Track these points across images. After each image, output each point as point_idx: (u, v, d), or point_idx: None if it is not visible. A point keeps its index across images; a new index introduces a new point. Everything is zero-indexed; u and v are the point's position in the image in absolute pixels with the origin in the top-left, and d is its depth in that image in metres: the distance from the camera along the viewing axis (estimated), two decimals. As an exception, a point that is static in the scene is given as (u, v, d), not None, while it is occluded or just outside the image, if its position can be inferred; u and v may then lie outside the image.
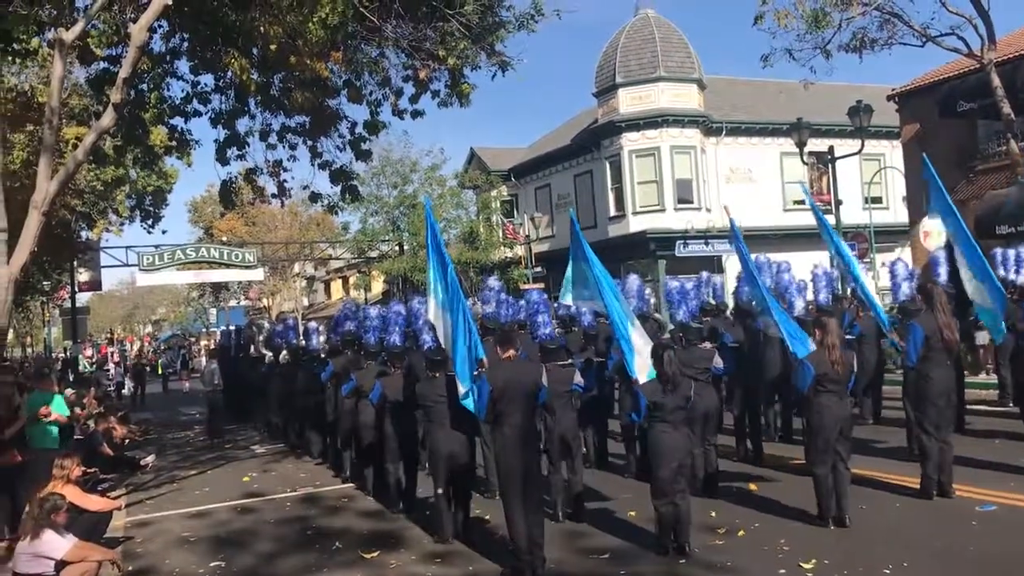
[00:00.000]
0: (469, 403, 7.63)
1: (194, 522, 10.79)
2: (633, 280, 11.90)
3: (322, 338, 16.83)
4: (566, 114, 64.50)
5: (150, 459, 15.26)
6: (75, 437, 13.99)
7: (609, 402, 11.89)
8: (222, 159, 17.26)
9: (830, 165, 22.70)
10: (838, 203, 22.40)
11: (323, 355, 15.17)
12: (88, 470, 12.92)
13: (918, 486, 8.96)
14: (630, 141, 34.49)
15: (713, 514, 8.65)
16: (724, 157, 35.95)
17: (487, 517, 9.38)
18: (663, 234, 33.28)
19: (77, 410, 15.12)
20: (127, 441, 17.52)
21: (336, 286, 64.16)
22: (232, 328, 25.25)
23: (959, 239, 10.33)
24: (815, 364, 7.96)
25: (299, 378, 15.43)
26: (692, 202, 34.46)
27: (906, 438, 11.02)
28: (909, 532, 7.77)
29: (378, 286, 50.04)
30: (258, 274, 43.03)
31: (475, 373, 7.66)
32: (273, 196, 19.37)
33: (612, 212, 35.32)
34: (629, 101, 34.47)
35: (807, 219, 35.46)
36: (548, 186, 40.29)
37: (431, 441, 8.55)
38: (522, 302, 12.42)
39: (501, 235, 40.56)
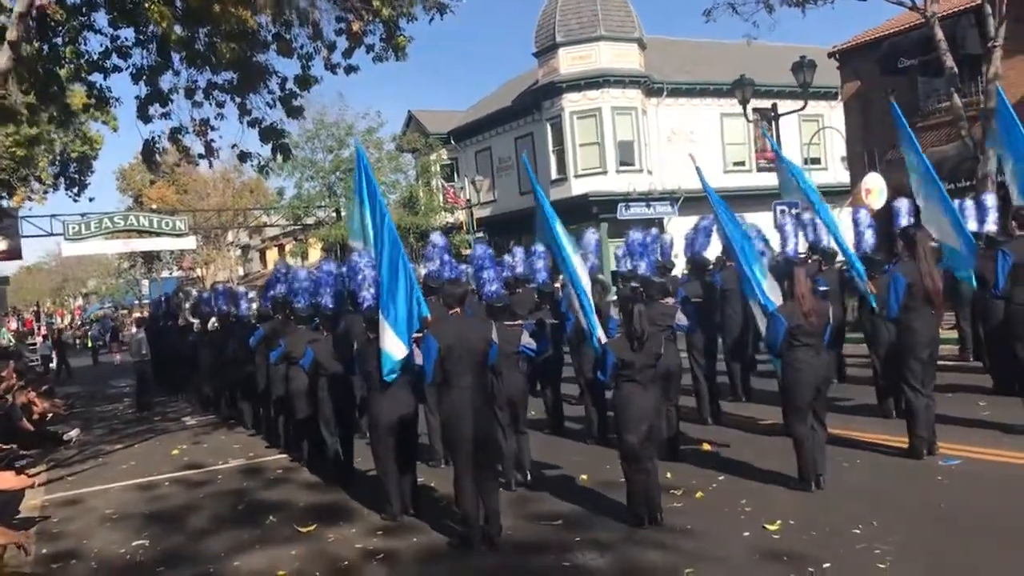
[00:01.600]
0: (394, 364, 7.15)
1: (119, 498, 10.10)
2: (591, 236, 11.35)
3: (254, 304, 16.13)
4: (506, 76, 63.49)
5: (73, 433, 14.45)
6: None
7: (561, 364, 11.36)
8: (144, 116, 16.31)
9: (774, 122, 22.37)
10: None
11: (253, 321, 14.50)
12: (4, 446, 12.16)
13: (902, 445, 8.48)
14: (571, 102, 34.01)
15: (668, 475, 8.20)
16: (665, 118, 35.67)
17: (432, 485, 8.86)
18: (605, 197, 32.98)
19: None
20: (50, 416, 16.67)
21: (272, 254, 62.84)
22: (161, 297, 24.25)
23: (927, 180, 9.98)
24: (787, 316, 7.44)
25: (229, 346, 14.72)
26: (634, 164, 34.19)
27: (876, 394, 10.54)
28: (875, 490, 7.39)
29: (316, 254, 49.00)
30: (190, 242, 41.74)
31: (416, 333, 7.13)
32: (200, 156, 18.42)
33: (554, 175, 34.85)
34: (570, 61, 33.93)
35: (748, 181, 35.88)
36: (489, 149, 39.64)
37: (372, 409, 7.85)
38: (463, 266, 11.91)
39: (442, 200, 39.85)
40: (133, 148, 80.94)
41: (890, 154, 25.00)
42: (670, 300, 9.20)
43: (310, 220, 42.88)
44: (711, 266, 11.74)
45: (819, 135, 36.38)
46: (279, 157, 17.47)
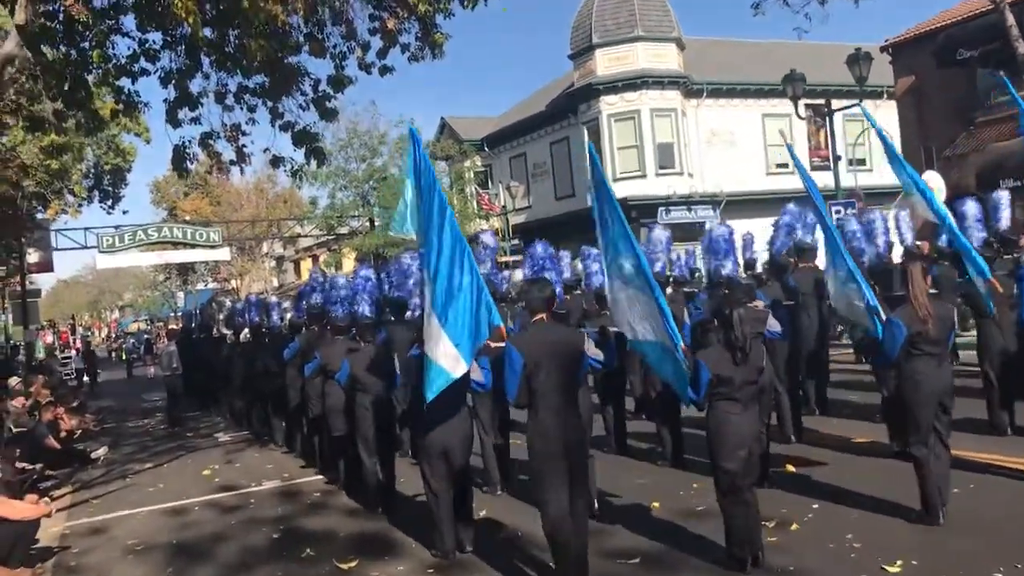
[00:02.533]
0: (447, 379, 6.20)
1: (145, 525, 9.33)
2: (660, 234, 10.44)
3: (288, 315, 15.39)
4: (540, 81, 62.52)
5: (102, 452, 13.82)
6: (16, 429, 12.59)
7: (625, 376, 10.42)
8: (173, 121, 15.64)
9: (827, 119, 21.34)
10: (836, 159, 21.09)
11: (285, 331, 13.77)
12: (29, 466, 11.49)
13: (1020, 466, 7.56)
14: (608, 104, 33.17)
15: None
16: (705, 120, 34.72)
17: (489, 516, 8.00)
18: (645, 201, 32.07)
19: (14, 401, 13.59)
20: (79, 432, 16.05)
21: (306, 265, 62.35)
22: (195, 308, 23.62)
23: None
24: (906, 322, 6.42)
25: (260, 358, 13.97)
26: (674, 167, 33.31)
27: (987, 409, 9.43)
28: (1002, 521, 6.41)
29: (349, 264, 48.43)
30: (224, 253, 41.31)
31: (483, 345, 6.27)
32: (232, 163, 17.76)
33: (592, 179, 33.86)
34: (607, 63, 33.10)
35: (791, 183, 34.75)
36: (523, 155, 38.86)
37: (421, 430, 6.92)
38: (505, 272, 11.06)
39: (476, 206, 39.08)
40: (166, 160, 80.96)
41: (948, 151, 23.94)
42: (759, 303, 8.21)
43: (343, 230, 42.30)
44: (790, 268, 10.75)
45: (864, 135, 35.24)
46: (313, 162, 16.75)
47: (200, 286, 64.81)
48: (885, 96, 33.62)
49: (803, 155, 35.95)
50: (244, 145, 17.24)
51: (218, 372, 17.92)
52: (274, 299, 15.12)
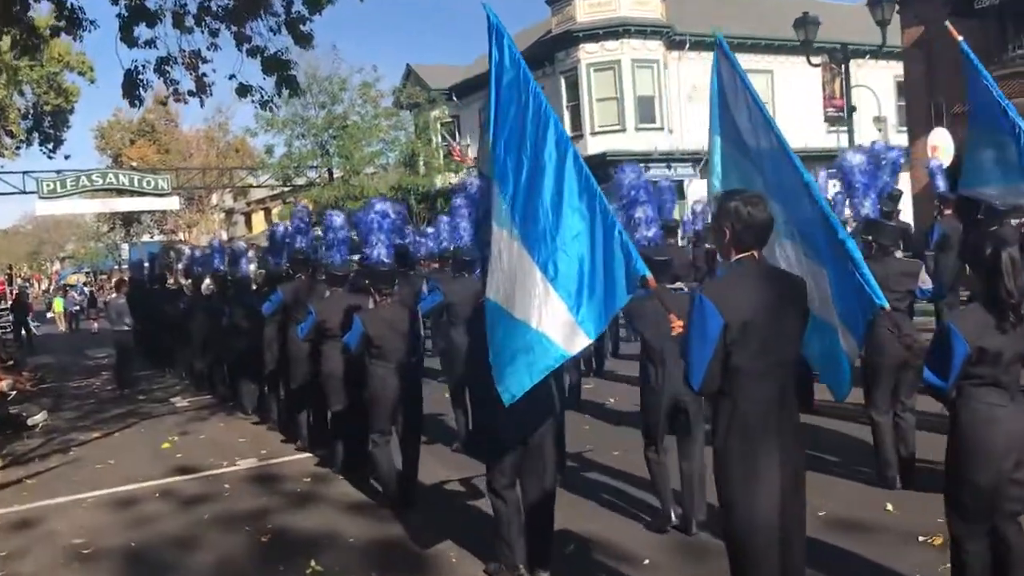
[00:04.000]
0: (559, 356, 4.47)
1: (92, 519, 7.51)
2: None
3: (252, 265, 13.56)
4: (512, 29, 60.29)
5: (40, 417, 11.91)
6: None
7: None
8: (128, 39, 13.60)
9: (844, 66, 19.78)
10: (852, 110, 19.57)
11: (257, 282, 11.97)
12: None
13: None
14: (588, 53, 31.44)
15: (889, 507, 5.76)
16: (687, 74, 33.04)
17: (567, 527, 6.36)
18: (624, 156, 30.23)
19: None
20: (13, 393, 14.04)
21: (258, 218, 59.93)
22: (145, 257, 21.49)
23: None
24: (968, 333, 3.82)
25: (227, 313, 12.13)
26: (654, 122, 31.87)
27: None
28: None
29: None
30: (173, 203, 39.04)
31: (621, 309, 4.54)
32: (190, 94, 15.77)
33: (568, 132, 31.85)
34: (587, 9, 31.33)
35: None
36: (494, 106, 36.87)
37: (494, 416, 5.01)
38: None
39: (441, 157, 37.13)
40: (112, 104, 77.28)
41: (957, 107, 22.57)
42: (899, 253, 6.57)
43: (300, 180, 40.08)
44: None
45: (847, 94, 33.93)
46: (285, 91, 14.80)
47: (145, 238, 61.88)
48: (867, 56, 32.64)
49: (817, 106, 34.49)
50: (204, 74, 15.30)
51: (174, 328, 15.97)
52: (242, 244, 13.22)
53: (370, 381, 6.85)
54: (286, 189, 44.87)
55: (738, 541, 3.49)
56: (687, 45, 32.70)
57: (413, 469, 7.04)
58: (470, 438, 8.22)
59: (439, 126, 38.40)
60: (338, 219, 8.33)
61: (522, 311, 4.43)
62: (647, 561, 5.37)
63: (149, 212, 50.95)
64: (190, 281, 15.10)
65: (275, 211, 53.82)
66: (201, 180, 47.09)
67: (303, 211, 9.93)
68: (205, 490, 8.11)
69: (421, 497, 7.11)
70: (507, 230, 4.59)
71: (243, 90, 14.94)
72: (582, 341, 4.36)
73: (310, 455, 9.09)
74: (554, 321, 4.35)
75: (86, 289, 49.95)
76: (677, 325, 3.93)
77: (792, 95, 34.18)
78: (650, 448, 5.81)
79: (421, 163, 36.84)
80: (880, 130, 30.58)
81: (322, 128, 37.61)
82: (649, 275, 4.19)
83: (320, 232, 10.24)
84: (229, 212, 62.56)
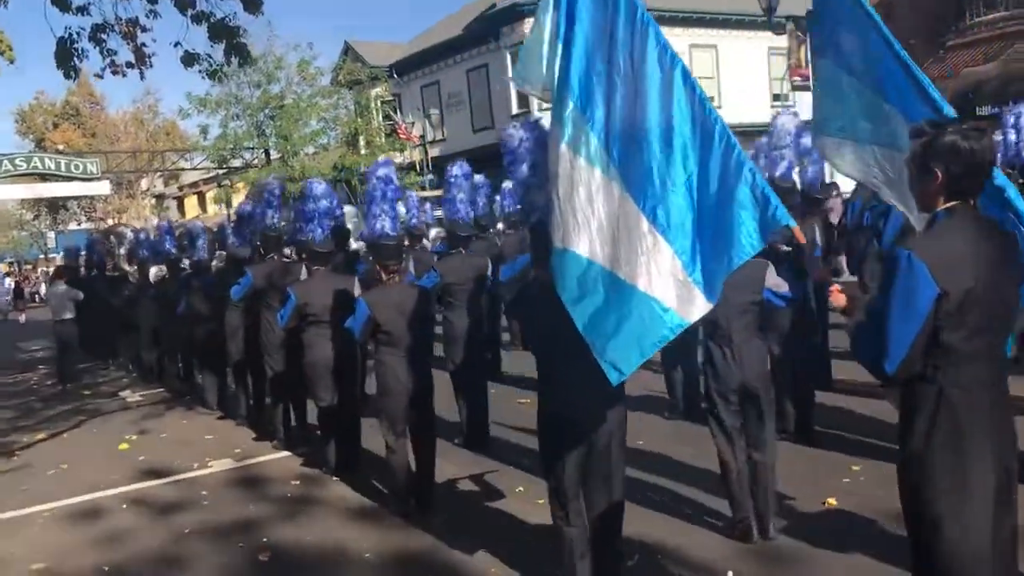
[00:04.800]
0: (675, 325, 3.56)
1: (51, 536, 6.63)
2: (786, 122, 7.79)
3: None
4: (454, 5, 58.54)
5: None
6: None
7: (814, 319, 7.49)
8: (60, 1, 12.47)
9: (809, 33, 19.30)
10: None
11: (219, 265, 11.07)
12: None
13: None
14: (536, 28, 30.51)
15: None
16: (634, 49, 32.46)
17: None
18: (575, 133, 29.76)
19: None
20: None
21: (191, 203, 58.13)
22: (81, 243, 20.11)
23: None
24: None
25: (183, 299, 11.18)
26: (604, 98, 31.03)
27: None
28: None
29: (238, 200, 44.60)
30: (103, 187, 37.26)
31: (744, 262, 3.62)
32: (129, 65, 14.64)
33: (515, 110, 31.53)
34: (534, -19, 30.45)
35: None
36: (436, 83, 36.07)
37: (554, 412, 4.38)
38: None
39: (383, 136, 36.02)
40: (34, 86, 74.14)
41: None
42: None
43: (236, 163, 38.64)
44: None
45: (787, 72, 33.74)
46: (235, 60, 13.76)
47: (73, 226, 59.47)
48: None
49: (762, 82, 34.42)
50: (144, 44, 14.19)
51: (118, 317, 14.89)
52: (199, 224, 12.21)
53: (380, 373, 6.05)
54: (221, 172, 43.30)
55: (954, 568, 2.80)
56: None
57: (429, 470, 6.26)
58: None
59: (380, 104, 37.29)
60: (319, 187, 7.45)
61: (627, 269, 3.68)
62: (730, 574, 4.69)
63: (77, 198, 48.88)
64: (135, 267, 13.99)
65: (209, 195, 52.14)
66: (131, 164, 45.29)
67: (273, 185, 9.02)
68: (180, 497, 7.25)
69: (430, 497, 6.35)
70: (600, 168, 3.83)
71: (189, 59, 13.81)
72: (700, 306, 3.62)
73: (290, 454, 8.28)
74: (666, 281, 3.62)
75: (7, 280, 47.69)
76: (837, 294, 3.23)
77: (737, 71, 34.02)
78: (724, 442, 5.09)
79: (362, 142, 35.80)
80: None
81: (258, 108, 36.25)
82: (795, 225, 3.48)
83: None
84: (160, 197, 60.49)
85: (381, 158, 6.42)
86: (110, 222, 54.26)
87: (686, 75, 3.73)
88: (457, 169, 8.02)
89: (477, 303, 7.80)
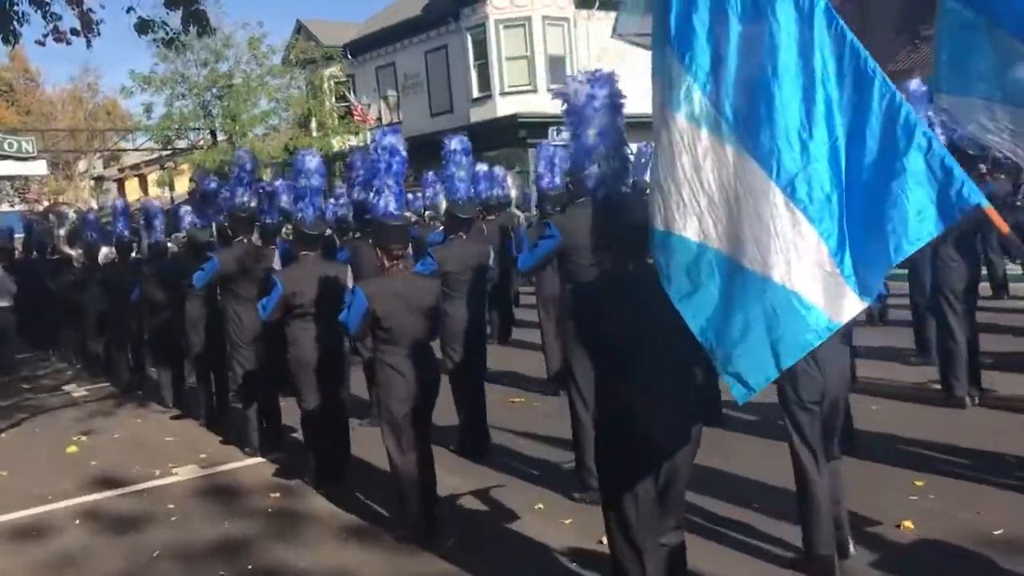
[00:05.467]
0: (823, 327, 2.86)
1: (-4, 558, 5.71)
2: None
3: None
4: None
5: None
6: None
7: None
8: (-2, -39, 11.38)
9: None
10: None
11: (177, 248, 10.13)
12: None
13: None
14: (497, 9, 29.89)
15: None
16: (595, 35, 31.81)
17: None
18: (535, 118, 28.97)
19: None
20: None
21: (132, 185, 56.14)
22: (27, 221, 18.69)
23: None
24: None
25: (136, 286, 10.21)
26: (566, 83, 30.36)
27: None
28: None
29: (183, 184, 43.02)
30: (40, 167, 35.52)
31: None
32: (73, 32, 13.54)
33: (475, 93, 30.78)
34: (495, -39, 29.69)
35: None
36: (392, 65, 35.01)
37: (618, 424, 3.54)
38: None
39: (336, 118, 34.91)
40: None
41: (890, 66, 21.98)
42: None
43: (182, 143, 37.23)
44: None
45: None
46: (194, 28, 12.76)
47: (5, 207, 57.13)
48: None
49: None
50: (90, 9, 13.12)
51: (59, 304, 13.76)
52: (156, 203, 11.18)
53: (381, 376, 5.18)
54: (164, 153, 41.76)
55: None
56: (596, 4, 31.35)
57: (431, 482, 5.43)
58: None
59: (334, 85, 36.15)
60: (312, 161, 6.57)
61: (755, 255, 2.92)
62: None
63: (11, 178, 46.83)
64: (80, 250, 12.89)
65: (152, 177, 50.40)
66: (69, 143, 43.50)
67: (245, 159, 8.07)
68: (143, 510, 6.32)
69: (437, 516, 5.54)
70: (707, 129, 3.04)
71: (143, 26, 12.82)
72: (852, 304, 2.86)
73: (263, 460, 7.40)
74: (810, 272, 2.86)
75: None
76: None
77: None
78: (809, 459, 4.34)
79: (314, 124, 34.70)
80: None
81: (205, 87, 34.96)
82: (988, 206, 2.75)
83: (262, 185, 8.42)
84: (99, 179, 58.44)
85: (378, 131, 5.56)
86: (46, 204, 52.24)
87: (831, 15, 2.95)
88: (456, 143, 7.21)
89: (478, 295, 6.99)
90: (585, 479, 5.56)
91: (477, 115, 30.54)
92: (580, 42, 31.18)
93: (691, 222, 3.01)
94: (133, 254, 11.42)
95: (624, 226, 3.44)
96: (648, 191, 3.49)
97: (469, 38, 30.71)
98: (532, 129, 28.75)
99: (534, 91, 30.06)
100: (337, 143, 33.69)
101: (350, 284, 6.42)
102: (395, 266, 5.24)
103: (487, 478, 6.37)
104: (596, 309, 3.54)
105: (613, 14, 26.94)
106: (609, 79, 3.66)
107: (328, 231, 10.18)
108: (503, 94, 30.17)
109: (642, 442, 3.47)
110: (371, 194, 5.47)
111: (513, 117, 28.92)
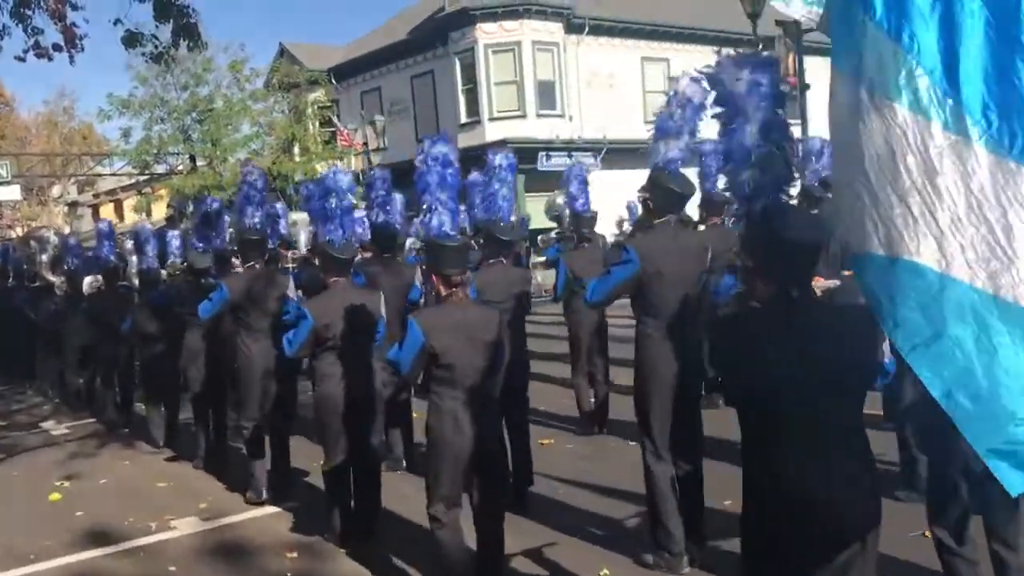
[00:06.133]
0: None
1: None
2: None
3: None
4: (396, 7, 55.98)
5: None
6: None
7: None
8: (-21, -29, 10.66)
9: (797, 41, 18.21)
10: (804, 87, 18.07)
11: (175, 274, 9.35)
12: None
13: None
14: (486, 34, 29.48)
15: None
16: (585, 59, 31.54)
17: None
18: (525, 143, 28.48)
19: None
20: None
21: (107, 211, 54.96)
22: (4, 247, 17.79)
23: None
24: None
25: (128, 316, 9.42)
26: (555, 109, 30.37)
27: None
28: None
29: (161, 210, 42.07)
30: (14, 192, 34.44)
31: None
32: (56, 48, 12.83)
33: (463, 119, 30.24)
34: (484, -14, 29.28)
35: (671, 133, 32.15)
36: (378, 90, 34.49)
37: (771, 496, 2.82)
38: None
39: (320, 143, 34.10)
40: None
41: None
42: None
43: (160, 168, 36.33)
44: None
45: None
46: (184, 42, 12.05)
47: (-25, 235, 55.85)
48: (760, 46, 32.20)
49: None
50: (74, 23, 12.42)
51: (39, 334, 12.90)
52: (147, 227, 10.37)
53: (434, 423, 4.43)
54: (142, 179, 40.81)
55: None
56: (586, 29, 31.11)
57: (497, 552, 4.64)
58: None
59: (317, 109, 35.42)
60: (344, 179, 5.85)
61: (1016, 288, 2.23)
62: None
63: (-20, 206, 45.74)
64: (63, 277, 12.05)
65: (128, 203, 49.26)
66: (43, 168, 42.49)
67: (255, 175, 7.31)
68: (141, 574, 5.53)
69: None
70: (942, 124, 2.31)
71: (132, 39, 12.09)
72: None
73: (276, 510, 6.62)
74: None
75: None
76: None
77: (689, 85, 33.25)
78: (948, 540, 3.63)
79: (297, 148, 33.93)
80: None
81: (184, 111, 34.15)
82: None
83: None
84: (73, 204, 57.26)
85: (425, 140, 4.75)
86: (19, 230, 51.02)
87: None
88: (502, 159, 6.51)
89: (520, 324, 6.28)
90: (662, 540, 4.82)
91: (465, 140, 29.88)
92: (570, 67, 30.84)
93: (927, 245, 2.29)
94: (121, 282, 10.59)
95: (791, 246, 2.74)
96: (834, 200, 2.78)
97: (458, 63, 30.25)
98: (521, 154, 27.95)
99: (523, 116, 29.72)
100: (321, 167, 32.92)
101: (383, 313, 5.72)
102: (454, 294, 4.48)
103: (536, 535, 5.63)
104: (748, 349, 2.84)
105: (603, 39, 26.68)
106: (771, 64, 2.97)
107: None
108: (492, 119, 29.70)
109: (811, 522, 2.75)
110: (422, 213, 4.75)
111: (502, 142, 28.27)
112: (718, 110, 3.08)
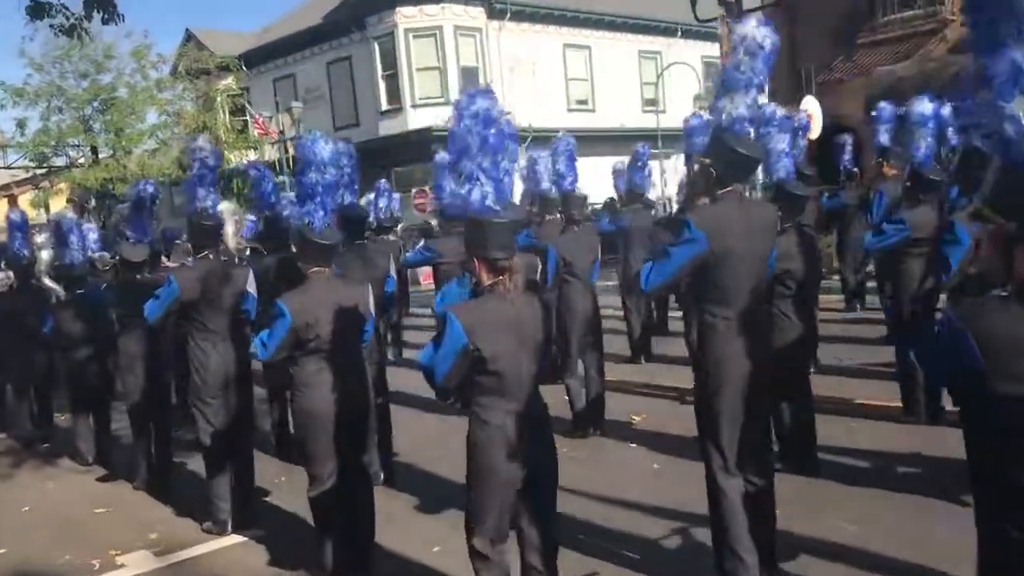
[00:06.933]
0: None
1: None
2: None
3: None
4: None
5: None
6: None
7: None
8: None
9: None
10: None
11: (102, 270, 8.31)
12: None
13: None
14: (406, 18, 28.64)
15: None
16: (507, 45, 30.87)
17: None
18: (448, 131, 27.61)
19: None
20: None
21: (0, 207, 52.20)
22: None
23: None
24: None
25: (48, 317, 8.33)
26: (479, 95, 29.23)
27: None
28: None
29: (59, 204, 39.93)
30: (-102, 186, 32.21)
31: None
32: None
33: (384, 106, 29.30)
34: (403, -31, 28.38)
35: (592, 122, 31.70)
36: (292, 76, 33.27)
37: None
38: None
39: (234, 132, 32.63)
40: None
41: (823, 75, 21.39)
42: None
43: (59, 161, 34.36)
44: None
45: (663, 75, 32.93)
46: (99, 14, 10.91)
47: None
48: (678, 34, 32.57)
49: (633, 86, 34.50)
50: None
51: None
52: (72, 216, 9.15)
53: (478, 439, 3.59)
54: (39, 172, 38.63)
55: None
56: (508, 15, 30.44)
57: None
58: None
59: (228, 97, 33.89)
60: (324, 149, 4.90)
61: None
62: None
63: None
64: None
65: (24, 198, 46.71)
66: (-68, 161, 39.82)
67: (206, 150, 6.26)
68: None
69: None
70: None
71: (38, 9, 10.89)
72: None
73: (238, 538, 5.71)
74: None
75: None
76: None
77: (609, 73, 33.12)
78: None
79: (208, 138, 32.37)
80: (701, 108, 29.65)
81: (85, 101, 32.30)
82: None
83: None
84: (-38, 201, 54.22)
85: (463, 96, 3.82)
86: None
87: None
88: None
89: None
90: (732, 570, 4.08)
91: (387, 128, 29.08)
92: (492, 53, 30.10)
93: None
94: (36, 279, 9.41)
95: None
96: None
97: (377, 48, 29.31)
98: (445, 142, 27.29)
99: (447, 103, 28.70)
100: (235, 157, 31.49)
101: (372, 310, 4.87)
102: (500, 283, 3.61)
103: (564, 557, 4.85)
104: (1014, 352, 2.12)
105: (525, 26, 25.98)
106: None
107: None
108: (415, 106, 28.80)
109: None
110: (458, 182, 3.89)
111: (426, 130, 27.46)
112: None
